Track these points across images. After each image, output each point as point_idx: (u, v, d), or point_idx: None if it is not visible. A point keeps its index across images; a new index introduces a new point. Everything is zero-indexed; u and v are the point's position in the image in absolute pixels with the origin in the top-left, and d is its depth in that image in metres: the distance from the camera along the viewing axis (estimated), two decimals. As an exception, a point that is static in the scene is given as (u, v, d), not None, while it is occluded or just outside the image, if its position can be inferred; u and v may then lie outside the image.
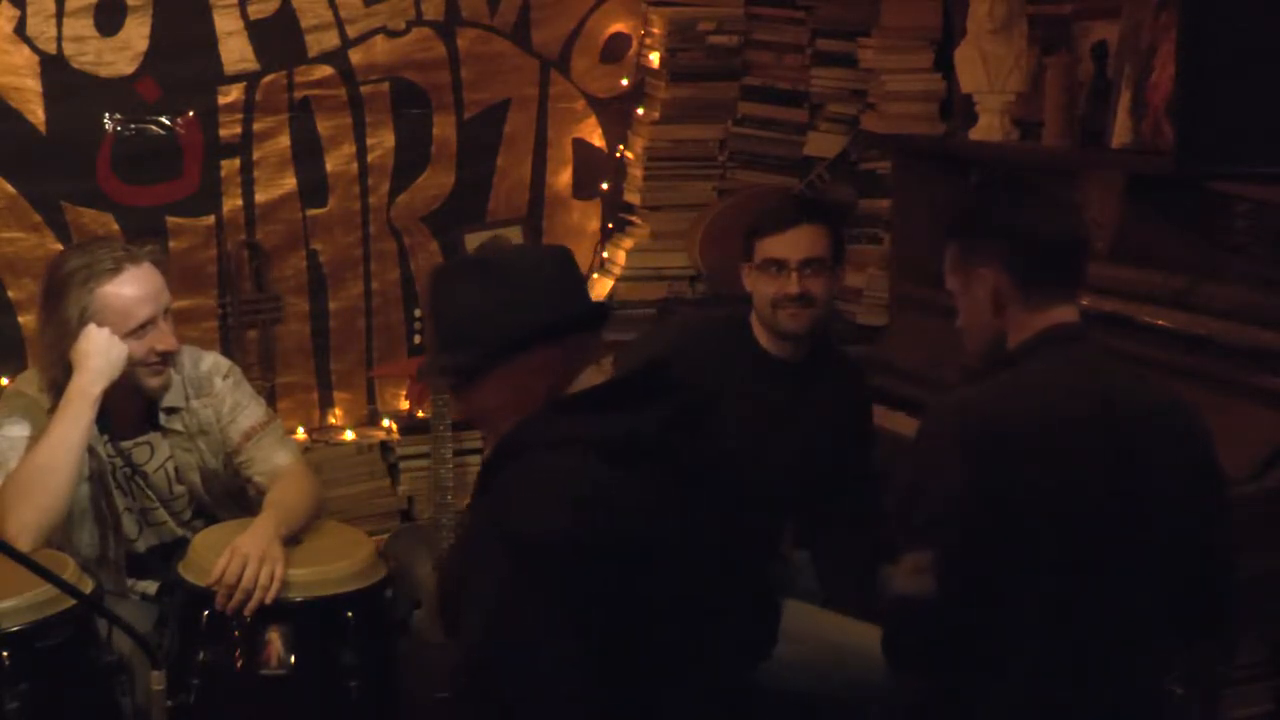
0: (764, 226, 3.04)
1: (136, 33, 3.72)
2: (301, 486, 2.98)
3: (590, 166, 4.28)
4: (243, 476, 3.03)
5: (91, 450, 2.85)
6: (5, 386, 3.28)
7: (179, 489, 3.02)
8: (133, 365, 2.85)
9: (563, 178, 4.25)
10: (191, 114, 3.80)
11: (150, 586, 2.97)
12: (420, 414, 3.97)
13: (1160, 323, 3.16)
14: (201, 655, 2.66)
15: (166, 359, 2.92)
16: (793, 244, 2.99)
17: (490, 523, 1.97)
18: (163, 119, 3.78)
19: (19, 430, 2.85)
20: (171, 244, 3.80)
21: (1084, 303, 3.18)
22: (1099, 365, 2.27)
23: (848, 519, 3.11)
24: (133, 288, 2.85)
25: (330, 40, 3.91)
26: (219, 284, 3.90)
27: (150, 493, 3.00)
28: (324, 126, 3.95)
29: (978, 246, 2.30)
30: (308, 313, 4.02)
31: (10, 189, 3.66)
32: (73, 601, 2.45)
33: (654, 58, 4.20)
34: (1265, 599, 2.66)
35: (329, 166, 3.98)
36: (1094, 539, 2.13)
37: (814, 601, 2.97)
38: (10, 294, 3.71)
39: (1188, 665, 2.62)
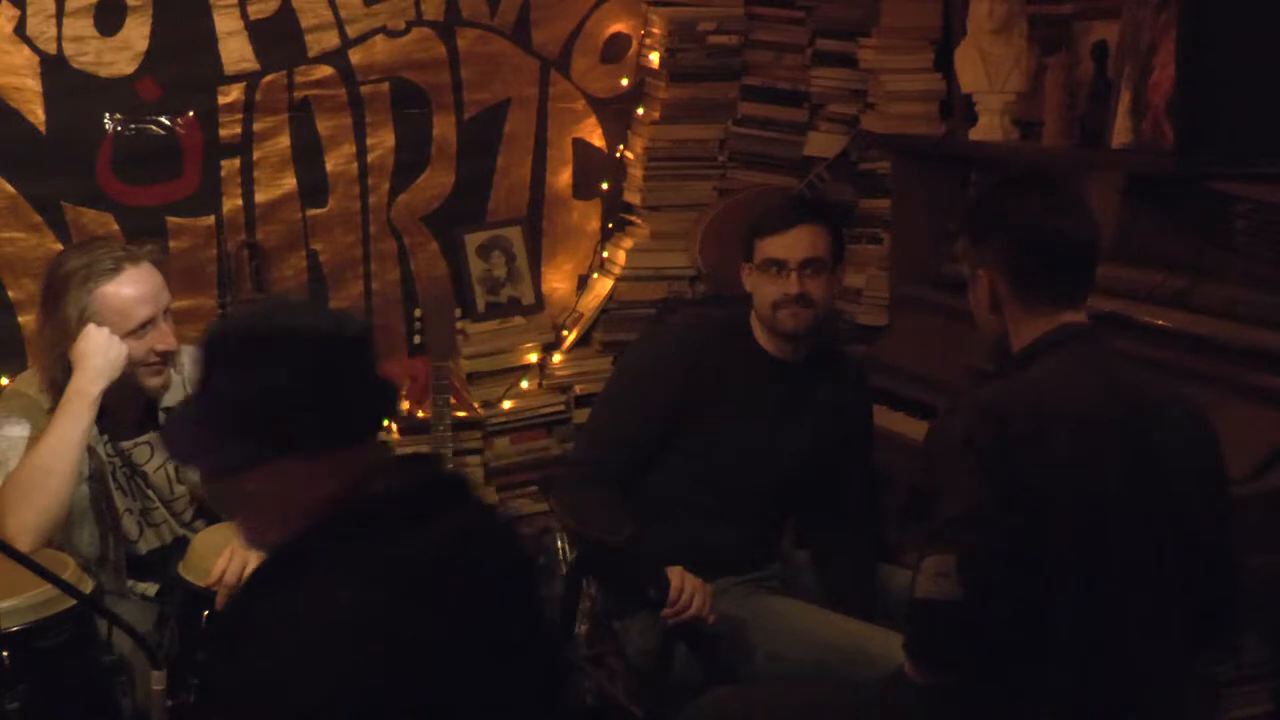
0: (764, 226, 3.04)
1: (136, 33, 3.72)
2: (301, 486, 2.98)
3: (590, 166, 4.28)
4: (243, 476, 3.03)
5: (91, 450, 2.85)
6: (5, 386, 3.28)
7: (179, 489, 3.02)
8: (132, 365, 2.85)
9: (563, 178, 4.26)
10: (191, 114, 3.81)
11: (150, 589, 2.96)
12: (420, 414, 3.97)
13: (1160, 323, 3.16)
14: (201, 655, 2.66)
15: (166, 359, 2.92)
16: (793, 244, 2.98)
17: (251, 673, 1.67)
18: (163, 119, 3.78)
19: (19, 430, 2.84)
20: (171, 244, 3.80)
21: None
22: (1111, 365, 2.25)
23: (848, 519, 3.11)
24: (132, 288, 2.85)
25: (330, 40, 3.91)
26: (219, 284, 3.90)
27: (150, 493, 3.00)
28: (324, 126, 3.96)
29: (977, 245, 2.30)
30: (308, 313, 4.01)
31: (10, 189, 3.67)
32: (73, 601, 2.45)
33: (654, 58, 4.20)
34: (1266, 599, 2.66)
35: (329, 166, 3.98)
36: (1116, 537, 2.12)
37: (814, 601, 2.97)
38: (10, 294, 3.71)
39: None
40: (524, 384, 4.19)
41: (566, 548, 3.88)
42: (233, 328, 1.90)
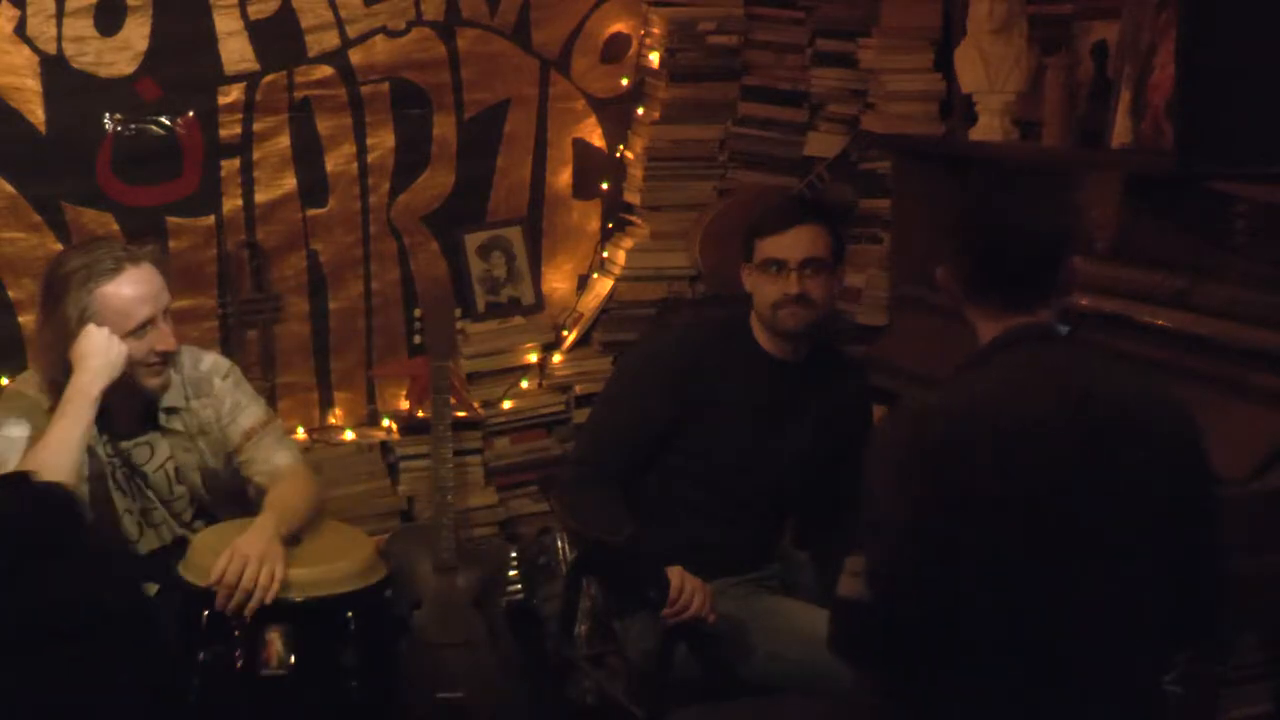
0: (764, 226, 3.04)
1: (136, 33, 3.72)
2: (301, 487, 2.98)
3: (590, 166, 4.28)
4: (242, 476, 3.03)
5: (91, 451, 2.86)
6: (5, 386, 3.28)
7: (179, 489, 3.02)
8: (132, 365, 2.86)
9: (563, 178, 4.25)
10: (191, 114, 3.80)
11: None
12: (420, 414, 3.97)
13: (1160, 323, 3.16)
14: (201, 655, 2.66)
15: (166, 359, 2.92)
16: (793, 244, 2.99)
17: None
18: (163, 119, 3.78)
19: (19, 430, 2.85)
20: (171, 244, 3.80)
21: (1084, 303, 3.22)
22: (1069, 365, 2.17)
23: (848, 519, 3.10)
24: (132, 288, 2.86)
25: (330, 40, 3.90)
26: (219, 284, 3.90)
27: (150, 493, 3.00)
28: (324, 126, 3.95)
29: (945, 242, 2.26)
30: (307, 313, 4.01)
31: (10, 189, 3.66)
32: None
33: (654, 58, 4.20)
34: (1263, 599, 2.65)
35: (329, 166, 3.98)
36: (1062, 539, 2.07)
37: (814, 601, 2.97)
38: (10, 294, 3.71)
39: (1187, 665, 2.62)
40: (524, 384, 4.19)
41: (566, 548, 3.89)
42: None
